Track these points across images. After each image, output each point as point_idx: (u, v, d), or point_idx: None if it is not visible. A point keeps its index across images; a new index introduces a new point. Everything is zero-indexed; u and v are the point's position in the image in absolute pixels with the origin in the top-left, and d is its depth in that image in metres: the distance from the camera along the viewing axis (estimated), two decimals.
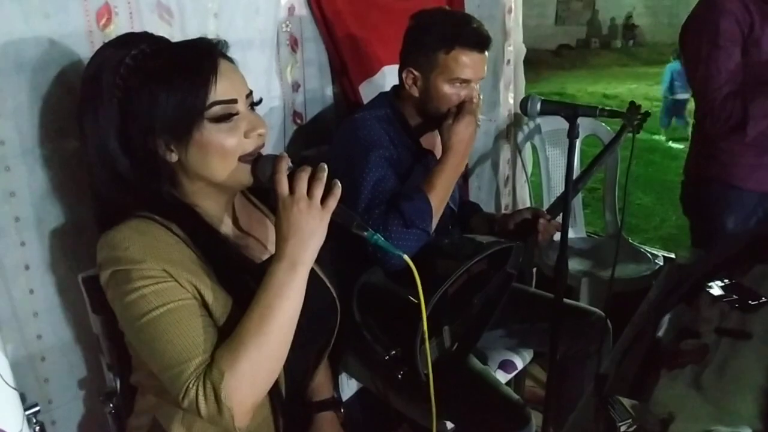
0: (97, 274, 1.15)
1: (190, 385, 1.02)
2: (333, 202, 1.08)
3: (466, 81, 1.71)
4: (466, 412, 1.64)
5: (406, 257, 1.14)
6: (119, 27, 1.45)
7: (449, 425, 1.72)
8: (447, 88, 1.72)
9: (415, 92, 1.76)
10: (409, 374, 1.57)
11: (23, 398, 1.17)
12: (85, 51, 1.39)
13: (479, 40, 1.70)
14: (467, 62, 1.69)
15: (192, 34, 1.59)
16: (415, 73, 1.75)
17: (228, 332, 1.07)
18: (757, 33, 2.01)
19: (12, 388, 1.12)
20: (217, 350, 1.05)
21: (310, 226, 1.06)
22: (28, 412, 1.20)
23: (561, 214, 1.62)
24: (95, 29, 1.42)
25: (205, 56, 1.10)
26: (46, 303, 1.46)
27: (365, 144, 1.68)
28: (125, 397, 1.43)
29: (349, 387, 2.17)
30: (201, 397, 1.01)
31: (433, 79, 1.72)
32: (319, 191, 1.07)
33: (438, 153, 1.91)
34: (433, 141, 1.90)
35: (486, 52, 1.73)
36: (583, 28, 20.40)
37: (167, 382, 1.05)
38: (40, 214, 1.41)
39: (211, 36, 1.63)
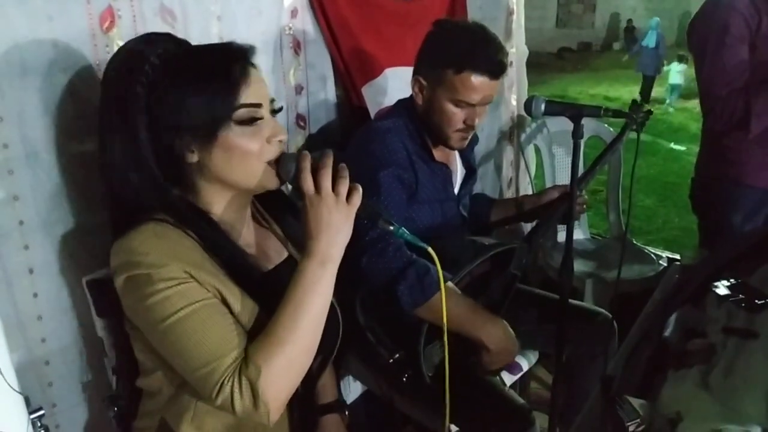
0: (101, 277, 1.15)
1: (225, 382, 1.03)
2: (358, 199, 1.09)
3: (470, 104, 1.67)
4: (470, 415, 1.63)
5: (430, 250, 1.16)
6: (122, 30, 1.45)
7: (453, 428, 1.71)
8: (450, 107, 1.68)
9: (420, 100, 1.75)
10: (413, 377, 1.57)
11: (27, 402, 1.17)
12: (89, 54, 1.39)
13: (491, 68, 1.64)
14: (475, 86, 1.64)
15: (195, 37, 1.59)
16: (423, 82, 1.72)
17: (254, 336, 1.09)
18: (765, 30, 2.01)
19: (16, 391, 1.11)
20: (251, 347, 1.07)
21: (338, 223, 1.08)
22: (32, 416, 1.20)
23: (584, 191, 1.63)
24: (98, 32, 1.42)
25: (236, 61, 1.10)
26: (49, 306, 1.46)
27: (376, 160, 1.65)
28: (130, 401, 1.42)
29: (353, 389, 2.16)
30: (236, 393, 1.03)
31: (438, 93, 1.68)
32: (344, 188, 1.08)
33: (452, 163, 1.90)
34: (447, 154, 1.89)
35: (499, 78, 1.67)
36: (584, 31, 20.43)
37: (198, 380, 1.05)
38: (44, 218, 1.41)
39: (214, 38, 1.65)
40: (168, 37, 1.17)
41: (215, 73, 1.08)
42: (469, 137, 1.78)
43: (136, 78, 1.08)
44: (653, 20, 12.58)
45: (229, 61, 1.09)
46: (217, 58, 1.11)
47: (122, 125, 1.10)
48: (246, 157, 1.11)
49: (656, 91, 12.17)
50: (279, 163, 1.14)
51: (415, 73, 1.75)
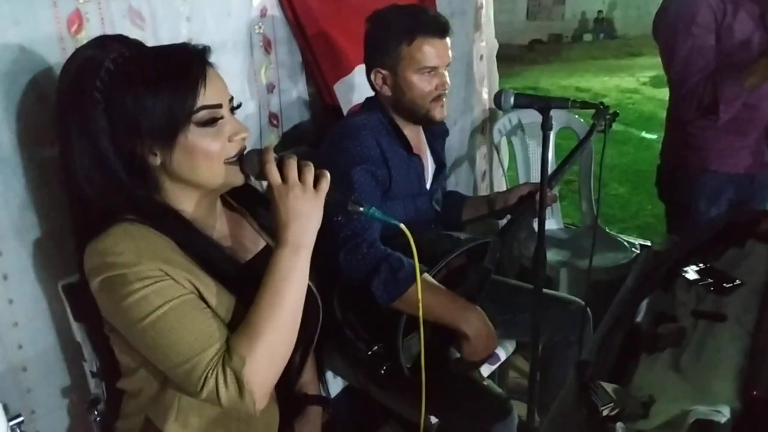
0: (77, 281, 1.15)
1: (209, 375, 1.04)
2: (325, 184, 1.11)
3: (434, 68, 1.74)
4: (448, 406, 1.66)
5: (402, 226, 1.17)
6: (91, 33, 1.44)
7: (434, 419, 1.73)
8: (416, 78, 1.74)
9: (388, 92, 1.78)
10: (391, 369, 1.58)
11: (6, 409, 1.17)
12: (57, 57, 1.38)
13: (438, 27, 1.73)
14: (431, 50, 1.72)
15: (164, 38, 1.59)
16: (383, 72, 1.76)
17: (233, 329, 1.10)
18: (729, 19, 2.07)
19: None
20: (232, 338, 1.08)
21: (307, 210, 1.09)
22: (11, 423, 1.20)
23: (555, 187, 1.70)
24: (66, 35, 1.41)
25: (193, 61, 1.10)
26: (26, 312, 1.45)
27: (350, 157, 1.67)
28: (111, 403, 1.42)
29: (334, 386, 2.17)
30: (221, 385, 1.04)
31: (401, 72, 1.74)
32: (310, 176, 1.09)
33: (424, 157, 1.92)
34: (422, 146, 1.91)
35: (448, 38, 1.76)
36: (555, 23, 20.58)
37: (182, 376, 1.06)
38: (17, 224, 1.40)
39: (183, 40, 1.64)
40: (120, 38, 1.17)
41: (173, 76, 1.08)
42: (445, 103, 1.82)
43: (92, 84, 1.08)
44: None
45: (187, 63, 1.10)
46: (173, 60, 1.10)
47: (82, 132, 1.10)
48: (208, 157, 1.12)
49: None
50: (243, 160, 1.15)
51: (370, 69, 1.80)
